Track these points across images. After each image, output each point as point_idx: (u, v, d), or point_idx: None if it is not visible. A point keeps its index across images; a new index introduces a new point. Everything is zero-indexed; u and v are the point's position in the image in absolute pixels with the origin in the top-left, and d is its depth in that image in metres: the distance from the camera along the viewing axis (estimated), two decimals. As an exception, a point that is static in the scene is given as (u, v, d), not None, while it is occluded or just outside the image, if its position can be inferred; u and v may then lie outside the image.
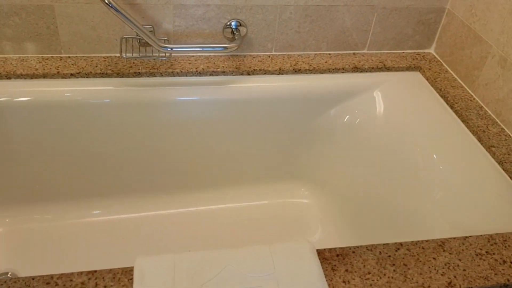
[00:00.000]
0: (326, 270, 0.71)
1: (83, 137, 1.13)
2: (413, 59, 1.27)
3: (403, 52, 1.29)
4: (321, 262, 0.72)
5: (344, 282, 0.69)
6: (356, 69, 1.21)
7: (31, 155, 1.13)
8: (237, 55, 1.21)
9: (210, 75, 1.16)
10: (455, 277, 0.72)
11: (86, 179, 1.20)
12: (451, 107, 1.12)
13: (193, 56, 1.19)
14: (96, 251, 1.15)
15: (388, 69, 1.22)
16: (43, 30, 1.08)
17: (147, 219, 1.24)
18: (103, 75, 1.10)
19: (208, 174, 1.27)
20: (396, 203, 1.08)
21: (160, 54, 1.15)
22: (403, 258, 0.74)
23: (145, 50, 1.14)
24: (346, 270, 0.71)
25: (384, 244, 0.76)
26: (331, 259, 0.73)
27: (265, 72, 1.17)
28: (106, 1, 0.97)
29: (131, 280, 0.67)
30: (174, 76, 1.14)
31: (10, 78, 1.06)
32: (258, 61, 1.19)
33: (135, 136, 1.16)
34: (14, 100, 1.05)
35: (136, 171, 1.22)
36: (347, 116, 1.20)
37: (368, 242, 0.77)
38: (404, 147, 1.10)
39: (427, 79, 1.21)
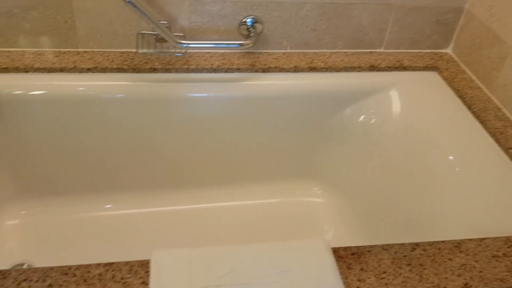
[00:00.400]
0: (341, 268, 0.71)
1: (96, 131, 1.14)
2: (431, 59, 1.26)
3: (420, 52, 1.28)
4: (336, 261, 0.71)
5: (359, 280, 0.69)
6: (373, 68, 1.20)
7: (46, 148, 1.14)
8: (252, 52, 1.21)
9: (225, 72, 1.16)
10: (471, 278, 0.71)
11: (98, 173, 1.21)
12: (469, 108, 1.11)
13: (208, 52, 1.19)
14: (109, 244, 1.16)
15: (405, 68, 1.21)
16: (61, 24, 1.09)
17: (159, 214, 1.25)
18: (119, 70, 1.11)
19: (221, 171, 1.27)
20: (411, 204, 1.07)
21: (176, 50, 1.15)
22: (419, 258, 0.73)
23: (161, 46, 1.15)
24: (361, 269, 0.71)
25: (399, 244, 0.75)
26: (346, 258, 0.72)
27: (280, 69, 1.17)
28: (124, -4, 0.98)
29: (147, 272, 0.68)
30: (189, 72, 1.14)
31: (27, 72, 1.07)
32: (273, 58, 1.19)
33: (148, 132, 1.17)
34: (29, 93, 1.06)
35: (149, 166, 1.22)
36: (363, 116, 1.20)
37: (381, 243, 0.77)
38: (420, 148, 1.09)
39: (444, 80, 1.20)
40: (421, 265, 0.72)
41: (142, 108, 1.13)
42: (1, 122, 1.08)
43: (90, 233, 1.18)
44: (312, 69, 1.18)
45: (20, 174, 1.17)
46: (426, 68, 1.23)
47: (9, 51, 1.10)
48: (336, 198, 1.28)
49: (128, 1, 0.98)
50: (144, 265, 0.69)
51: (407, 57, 1.25)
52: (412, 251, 0.74)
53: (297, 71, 1.18)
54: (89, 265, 0.68)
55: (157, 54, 1.15)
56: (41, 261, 1.10)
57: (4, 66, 1.05)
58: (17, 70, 1.06)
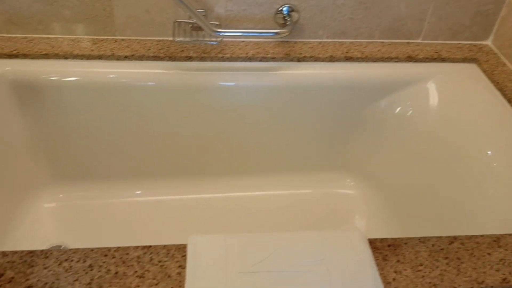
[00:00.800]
0: (377, 259, 0.70)
1: (129, 118, 1.16)
2: (470, 50, 1.22)
3: (459, 43, 1.25)
4: (372, 252, 0.71)
5: (395, 272, 0.69)
6: (410, 58, 1.18)
7: (80, 134, 1.17)
8: (287, 41, 1.20)
9: (259, 61, 1.16)
10: (510, 273, 0.70)
11: (130, 159, 1.23)
12: (509, 102, 1.07)
13: (243, 41, 1.19)
14: (141, 229, 1.19)
15: (443, 60, 1.19)
16: (99, 12, 1.11)
17: (191, 201, 1.26)
18: (156, 58, 1.12)
19: (253, 160, 1.27)
20: (446, 198, 1.05)
21: (212, 39, 1.16)
22: (457, 252, 0.72)
23: (197, 34, 1.15)
24: (398, 261, 0.70)
25: (437, 237, 0.74)
26: (382, 249, 0.72)
27: (316, 59, 1.16)
28: (162, -16, 0.99)
29: (184, 256, 0.69)
30: (224, 61, 1.15)
31: (67, 58, 1.10)
32: (309, 47, 1.18)
33: (181, 119, 1.18)
34: (64, 79, 1.09)
35: (181, 154, 1.24)
36: (399, 107, 1.18)
37: (414, 236, 0.76)
38: (457, 141, 1.07)
39: (483, 72, 1.17)
40: (458, 258, 0.71)
41: (176, 96, 1.14)
42: (39, 107, 1.11)
43: (123, 218, 1.21)
44: (348, 59, 1.17)
45: (57, 158, 1.20)
46: (465, 60, 1.20)
47: (48, 38, 1.12)
48: (369, 190, 1.27)
49: (166, -11, 0.99)
50: (181, 249, 0.70)
51: (446, 48, 1.22)
52: (449, 244, 0.73)
53: (333, 61, 1.17)
54: (128, 247, 0.70)
55: (193, 43, 1.15)
56: (76, 244, 1.13)
57: (44, 52, 1.08)
58: (56, 56, 1.09)
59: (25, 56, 1.07)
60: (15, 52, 1.07)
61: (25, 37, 1.12)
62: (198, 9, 1.12)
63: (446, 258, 0.71)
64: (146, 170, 1.26)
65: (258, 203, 1.27)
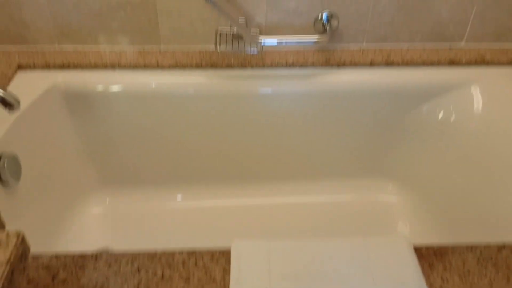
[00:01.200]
0: (423, 267, 0.69)
1: (171, 125, 1.19)
2: (516, 53, 1.19)
3: (504, 46, 1.21)
4: (417, 259, 0.70)
5: (442, 279, 0.68)
6: (453, 62, 1.16)
7: (124, 140, 1.21)
8: (327, 47, 1.20)
9: (299, 67, 1.17)
10: None
11: (173, 166, 1.27)
12: (559, 105, 1.04)
13: (283, 49, 1.20)
14: (185, 233, 1.21)
15: (487, 63, 1.16)
16: (145, 24, 1.15)
17: (232, 207, 1.28)
18: (198, 67, 1.15)
19: (293, 166, 1.28)
20: (490, 204, 1.02)
21: (252, 47, 1.17)
22: (506, 260, 0.70)
23: (238, 43, 1.17)
24: (444, 269, 0.69)
25: (485, 244, 0.73)
26: (428, 256, 0.71)
27: (356, 65, 1.16)
28: (205, -4, 1.01)
29: (228, 261, 0.70)
30: (264, 68, 1.16)
31: (114, 68, 1.14)
32: (349, 53, 1.18)
33: (222, 126, 1.20)
34: (109, 89, 1.13)
35: (221, 159, 1.26)
36: (442, 112, 1.16)
37: (457, 242, 0.74)
38: (503, 147, 1.04)
39: (531, 75, 1.14)
40: (508, 267, 0.69)
41: (217, 103, 1.17)
42: (87, 115, 1.16)
43: (166, 222, 1.24)
44: (389, 64, 1.16)
45: (104, 164, 1.25)
46: (510, 63, 1.16)
47: (97, 49, 1.18)
48: (411, 197, 1.25)
49: (210, 1, 1.01)
50: (225, 253, 0.72)
51: (490, 52, 1.19)
52: (498, 251, 0.71)
53: (373, 66, 1.16)
54: (173, 251, 0.72)
55: (234, 51, 1.18)
56: (122, 247, 1.17)
57: (93, 63, 1.13)
58: (104, 67, 1.14)
59: (75, 66, 1.13)
60: (66, 63, 1.12)
61: (76, 49, 1.17)
62: (240, 18, 1.15)
63: (495, 265, 0.70)
64: (188, 175, 1.29)
65: (299, 209, 1.27)
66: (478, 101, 1.12)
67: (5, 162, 0.92)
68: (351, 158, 1.27)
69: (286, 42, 1.13)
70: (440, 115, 1.16)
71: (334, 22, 1.16)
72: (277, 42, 1.13)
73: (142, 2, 1.11)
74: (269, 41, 1.11)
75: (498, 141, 1.05)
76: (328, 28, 1.15)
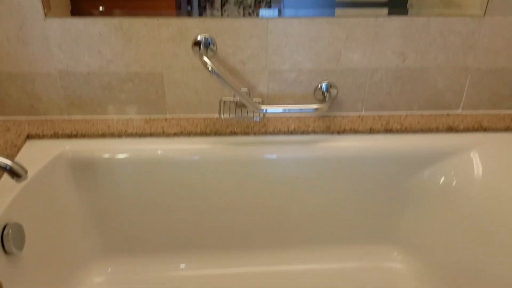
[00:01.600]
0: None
1: (176, 192, 1.20)
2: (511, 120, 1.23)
3: (500, 113, 1.25)
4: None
5: None
6: (451, 129, 1.19)
7: (129, 208, 1.22)
8: (327, 114, 1.24)
9: (301, 134, 1.20)
10: None
11: (177, 233, 1.26)
12: (558, 170, 1.05)
13: (285, 116, 1.24)
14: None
15: (484, 129, 1.19)
16: (152, 94, 1.19)
17: (234, 275, 1.26)
18: (203, 134, 1.18)
19: (297, 232, 1.27)
20: (499, 271, 1.01)
21: (255, 115, 1.21)
22: (518, 332, 0.69)
23: (241, 111, 1.22)
24: None
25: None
26: (436, 327, 0.69)
27: (356, 131, 1.19)
28: (210, 69, 1.06)
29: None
30: (266, 135, 1.20)
31: (121, 137, 1.18)
32: (349, 120, 1.22)
33: (226, 192, 1.21)
34: (115, 156, 1.15)
35: (224, 226, 1.26)
36: (443, 178, 1.17)
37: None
38: (504, 212, 1.04)
39: (528, 140, 1.16)
40: None
41: (221, 169, 1.18)
42: (92, 183, 1.17)
43: (169, 291, 1.22)
44: (388, 130, 1.19)
45: (107, 232, 1.24)
46: (507, 129, 1.20)
47: (105, 119, 1.22)
48: (417, 264, 1.23)
49: (214, 73, 1.06)
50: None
51: (487, 118, 1.22)
52: (509, 323, 0.70)
53: (373, 133, 1.19)
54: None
55: (237, 119, 1.21)
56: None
57: (100, 132, 1.16)
58: (111, 135, 1.17)
59: (83, 136, 1.16)
60: (74, 132, 1.16)
61: (84, 118, 1.21)
62: (242, 88, 1.20)
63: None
64: (191, 243, 1.28)
65: (304, 277, 1.25)
66: (478, 166, 1.14)
67: (10, 232, 0.92)
68: (355, 224, 1.26)
69: (287, 111, 1.17)
70: (441, 180, 1.17)
71: (333, 91, 1.20)
72: (279, 111, 1.17)
73: (150, 74, 1.16)
74: (271, 109, 1.15)
75: (499, 208, 1.05)
76: (327, 96, 1.19)
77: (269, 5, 2.00)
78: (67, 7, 1.20)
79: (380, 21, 1.12)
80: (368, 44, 1.15)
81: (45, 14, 1.08)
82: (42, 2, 1.07)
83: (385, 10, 1.14)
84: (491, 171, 1.12)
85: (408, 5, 1.51)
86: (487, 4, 1.11)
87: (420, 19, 1.12)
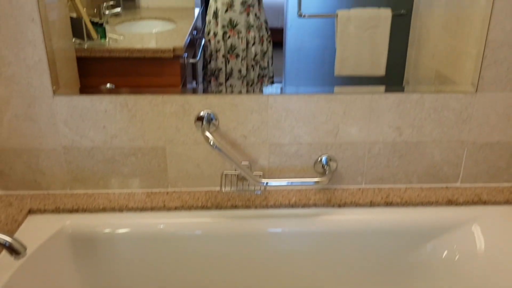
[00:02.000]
0: None
1: (176, 267, 1.18)
2: (510, 193, 1.23)
3: (499, 186, 1.26)
4: None
5: None
6: (450, 202, 1.19)
7: (130, 283, 1.19)
8: (328, 187, 1.25)
9: (302, 207, 1.20)
10: None
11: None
12: (561, 244, 1.05)
13: (286, 189, 1.25)
14: None
15: (484, 202, 1.20)
16: (154, 168, 1.21)
17: None
18: (204, 207, 1.19)
19: (299, 308, 1.24)
20: None
21: (256, 188, 1.22)
22: None
23: (242, 184, 1.23)
24: None
25: None
26: None
27: (356, 204, 1.20)
28: (211, 143, 1.09)
29: None
30: (267, 208, 1.20)
31: (122, 211, 1.18)
32: (349, 194, 1.23)
33: (227, 266, 1.19)
34: (116, 231, 1.15)
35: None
36: (445, 252, 1.16)
37: None
38: (509, 286, 1.02)
39: (528, 213, 1.17)
40: None
41: (222, 243, 1.17)
42: (92, 258, 1.16)
43: None
44: (388, 204, 1.19)
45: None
46: (507, 202, 1.20)
47: (107, 193, 1.22)
48: None
49: (216, 147, 1.09)
50: None
51: (486, 191, 1.23)
52: None
53: (373, 206, 1.20)
54: None
55: (239, 192, 1.22)
56: None
57: (102, 207, 1.17)
58: (113, 210, 1.17)
59: (84, 210, 1.16)
60: (76, 207, 1.16)
61: (86, 193, 1.22)
62: (243, 161, 1.22)
63: None
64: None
65: None
66: (480, 240, 1.13)
67: (6, 311, 0.90)
68: (359, 300, 1.24)
69: (287, 184, 1.19)
70: (444, 254, 1.16)
71: (333, 165, 1.22)
72: (280, 184, 1.18)
73: (153, 148, 1.19)
74: (272, 183, 1.16)
75: (503, 280, 1.04)
76: (327, 170, 1.21)
77: (271, 80, 2.08)
78: (76, 85, 1.25)
79: (375, 97, 1.16)
80: (364, 119, 1.18)
81: (54, 92, 1.12)
82: (52, 81, 1.11)
83: (382, 88, 1.19)
84: (493, 245, 1.11)
85: (404, 82, 1.59)
86: (478, 81, 1.15)
87: (414, 95, 1.16)
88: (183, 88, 1.41)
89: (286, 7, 1.94)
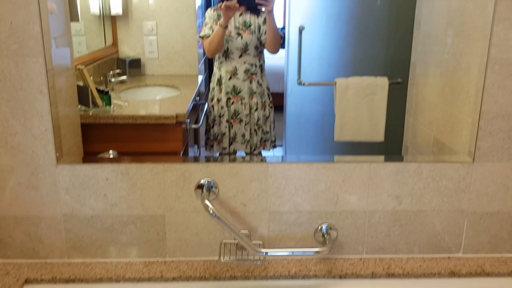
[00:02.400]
0: None
1: None
2: (514, 263, 1.21)
3: (502, 256, 1.24)
4: None
5: None
6: (453, 274, 1.17)
7: None
8: (328, 257, 1.24)
9: (302, 278, 1.18)
10: None
11: None
12: None
13: (285, 259, 1.23)
14: None
15: (487, 274, 1.17)
16: (153, 237, 1.20)
17: None
18: (202, 278, 1.17)
19: None
20: None
21: (255, 258, 1.21)
22: None
23: (241, 253, 1.21)
24: None
25: None
26: None
27: (358, 276, 1.17)
28: (211, 211, 1.09)
29: None
30: (267, 279, 1.18)
31: (118, 282, 1.16)
32: (350, 264, 1.21)
33: None
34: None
35: None
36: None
37: None
38: None
39: (534, 286, 1.14)
40: None
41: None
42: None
43: None
44: (390, 275, 1.17)
45: None
46: (510, 275, 1.17)
47: (104, 262, 1.21)
48: None
49: (215, 216, 1.09)
50: None
51: (488, 262, 1.21)
52: None
53: (375, 278, 1.17)
54: None
55: (238, 262, 1.21)
56: None
57: (99, 277, 1.15)
58: (109, 280, 1.15)
59: (81, 280, 1.14)
60: (72, 277, 1.14)
61: (84, 262, 1.21)
62: (242, 230, 1.21)
63: None
64: None
65: None
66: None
67: None
68: None
69: (287, 254, 1.17)
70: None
71: (333, 233, 1.21)
72: (279, 254, 1.17)
73: (152, 217, 1.19)
74: (272, 253, 1.15)
75: None
76: (328, 239, 1.20)
77: (273, 145, 2.12)
78: (80, 151, 1.27)
79: (373, 166, 1.18)
80: (364, 188, 1.19)
81: (57, 160, 1.14)
82: (56, 149, 1.14)
83: (381, 157, 1.21)
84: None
85: (403, 149, 1.61)
86: (474, 151, 1.17)
87: (412, 165, 1.18)
88: (184, 153, 1.44)
89: (286, 75, 2.01)
